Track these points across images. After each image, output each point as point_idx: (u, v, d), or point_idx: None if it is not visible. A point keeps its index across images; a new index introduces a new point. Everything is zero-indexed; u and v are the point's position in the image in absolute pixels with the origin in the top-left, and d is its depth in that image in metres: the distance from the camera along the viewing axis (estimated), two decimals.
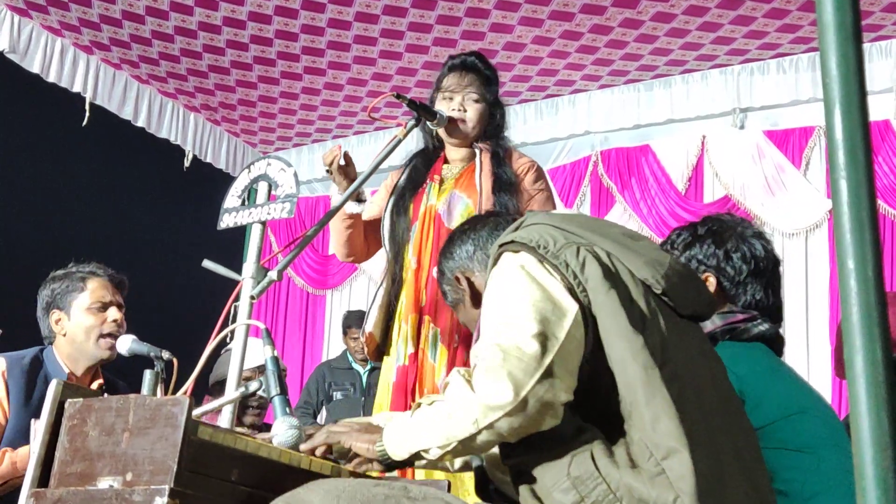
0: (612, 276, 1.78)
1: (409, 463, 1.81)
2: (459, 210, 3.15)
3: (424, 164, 3.35)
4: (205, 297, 6.03)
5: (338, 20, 6.02)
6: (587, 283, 1.75)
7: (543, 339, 1.66)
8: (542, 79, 6.80)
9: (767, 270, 2.42)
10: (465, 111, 3.24)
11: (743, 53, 6.41)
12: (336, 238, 3.39)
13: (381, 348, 3.22)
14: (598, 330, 1.73)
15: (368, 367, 6.60)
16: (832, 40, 1.14)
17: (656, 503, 1.58)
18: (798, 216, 6.36)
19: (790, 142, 6.49)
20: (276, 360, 2.03)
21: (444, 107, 3.25)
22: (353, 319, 6.68)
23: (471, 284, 2.26)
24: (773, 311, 2.41)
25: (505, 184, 3.14)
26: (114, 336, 3.19)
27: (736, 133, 6.66)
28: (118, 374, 3.47)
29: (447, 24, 6.00)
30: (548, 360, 1.64)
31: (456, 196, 3.19)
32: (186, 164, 7.43)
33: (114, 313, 3.25)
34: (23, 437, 2.98)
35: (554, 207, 3.34)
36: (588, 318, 1.73)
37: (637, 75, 6.80)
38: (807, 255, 6.38)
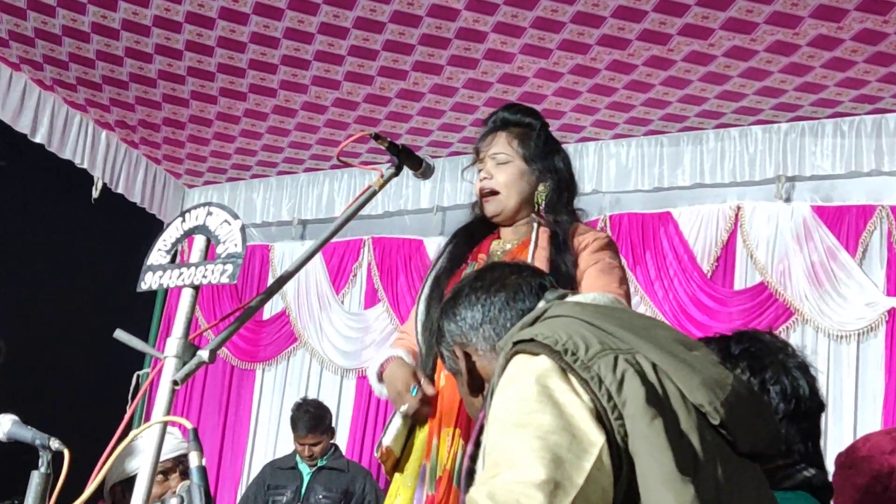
0: (658, 401, 1.68)
1: None
2: None
3: (467, 242, 3.29)
4: (110, 369, 5.93)
5: (298, 31, 5.98)
6: (624, 407, 1.65)
7: (552, 488, 1.55)
8: None
9: (809, 415, 2.34)
10: (491, 178, 3.20)
11: (793, 109, 6.44)
12: None
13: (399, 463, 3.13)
14: (635, 472, 1.63)
15: (318, 465, 6.54)
16: None
17: None
18: (850, 315, 6.34)
19: (845, 222, 6.48)
20: (203, 470, 1.95)
21: (476, 180, 3.25)
22: (301, 422, 6.56)
23: (469, 362, 2.20)
24: (810, 462, 2.34)
25: (563, 277, 2.97)
26: None
27: (779, 206, 6.67)
28: None
29: (433, 45, 5.97)
30: None
31: None
32: (95, 194, 7.33)
33: None
34: None
35: (625, 289, 3.13)
36: (622, 455, 1.63)
37: (661, 126, 6.81)
38: (858, 364, 6.35)
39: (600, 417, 1.65)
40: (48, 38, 6.27)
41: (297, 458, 6.68)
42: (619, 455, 1.63)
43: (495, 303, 2.17)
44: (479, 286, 2.22)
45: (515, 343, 1.81)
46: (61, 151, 7.03)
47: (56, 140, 6.99)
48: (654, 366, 1.74)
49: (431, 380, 3.11)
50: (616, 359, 1.71)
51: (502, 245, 3.24)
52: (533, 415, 1.64)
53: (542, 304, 2.03)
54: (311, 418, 6.61)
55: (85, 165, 7.21)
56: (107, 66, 6.54)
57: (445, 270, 3.22)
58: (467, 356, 2.20)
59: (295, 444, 6.68)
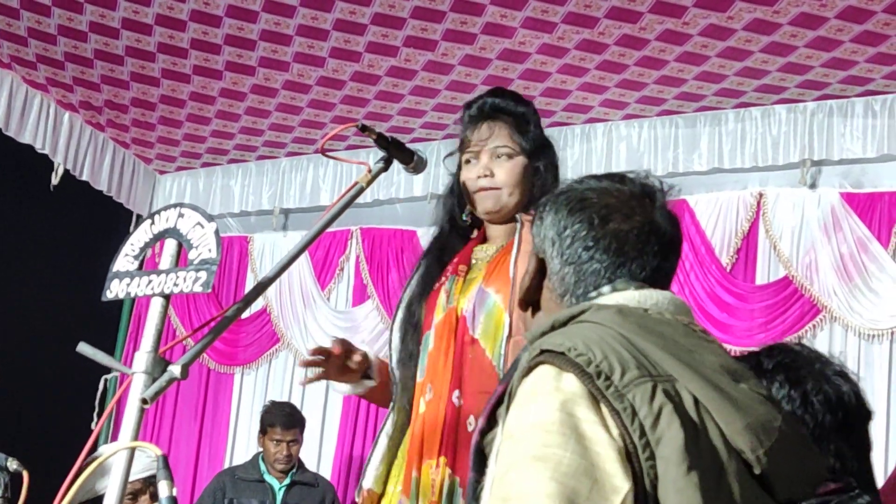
0: (696, 445, 1.61)
1: None
2: (485, 312, 3.01)
3: (439, 261, 3.25)
4: (73, 375, 5.90)
5: (278, 3, 5.94)
6: (658, 446, 1.60)
7: None
8: (548, 101, 6.78)
9: (857, 424, 2.33)
10: (492, 176, 3.14)
11: (820, 87, 6.43)
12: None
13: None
14: None
15: (287, 480, 6.50)
16: None
17: None
18: (882, 312, 6.32)
19: (877, 210, 6.46)
20: (173, 501, 1.94)
21: (469, 174, 3.17)
22: (279, 417, 6.57)
23: (540, 269, 2.05)
24: (862, 481, 2.32)
25: None
26: None
27: (804, 193, 6.65)
28: None
29: (426, 18, 5.95)
30: None
31: (482, 291, 3.06)
32: (55, 180, 7.31)
33: None
34: None
35: None
36: (647, 500, 1.58)
37: (676, 105, 6.80)
38: (891, 366, 6.33)
39: (629, 456, 1.60)
40: (5, 13, 6.24)
41: (262, 468, 6.62)
42: (646, 500, 1.59)
43: (599, 246, 1.96)
44: (594, 218, 1.97)
45: (542, 351, 1.74)
46: (20, 135, 6.99)
47: (14, 122, 6.94)
48: (696, 401, 1.68)
49: (409, 412, 3.17)
50: (654, 388, 1.65)
51: (485, 251, 3.21)
52: (553, 449, 1.59)
53: (582, 304, 1.89)
54: (289, 414, 6.62)
55: (46, 150, 7.18)
56: (70, 42, 6.51)
57: (417, 296, 3.24)
58: (539, 261, 2.06)
59: (267, 445, 6.61)
